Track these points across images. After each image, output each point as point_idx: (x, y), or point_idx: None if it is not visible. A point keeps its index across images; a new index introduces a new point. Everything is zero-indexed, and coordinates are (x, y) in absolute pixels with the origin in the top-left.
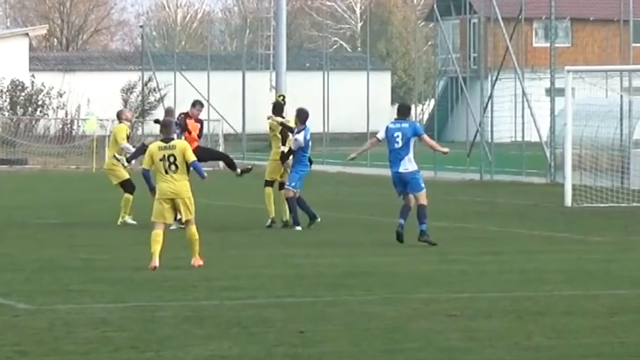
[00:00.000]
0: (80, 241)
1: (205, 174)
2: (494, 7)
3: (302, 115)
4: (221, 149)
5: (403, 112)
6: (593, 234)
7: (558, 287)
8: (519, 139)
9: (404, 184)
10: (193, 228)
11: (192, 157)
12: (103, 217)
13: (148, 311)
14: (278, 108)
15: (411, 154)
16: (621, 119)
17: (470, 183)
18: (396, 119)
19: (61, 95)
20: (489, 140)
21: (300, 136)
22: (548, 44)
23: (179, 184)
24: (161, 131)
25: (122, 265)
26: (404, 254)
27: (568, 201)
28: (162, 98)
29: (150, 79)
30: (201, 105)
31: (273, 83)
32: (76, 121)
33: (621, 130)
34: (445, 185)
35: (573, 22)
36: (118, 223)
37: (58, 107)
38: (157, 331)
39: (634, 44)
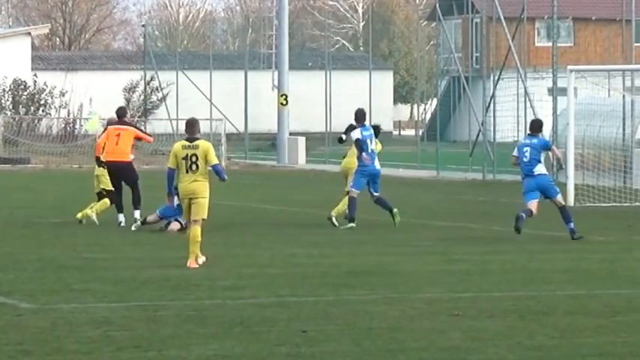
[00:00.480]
0: (82, 240)
1: (226, 176)
2: (497, 7)
3: (358, 115)
4: (223, 148)
5: (535, 129)
6: (595, 233)
7: (561, 287)
8: (522, 138)
9: (542, 189)
10: (199, 229)
11: (214, 160)
12: (105, 216)
13: (151, 310)
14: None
15: (541, 165)
16: (624, 119)
17: (472, 182)
18: (528, 134)
19: (63, 94)
20: (492, 140)
21: (356, 134)
22: (550, 44)
23: (198, 184)
24: (186, 130)
25: (124, 264)
26: (407, 254)
27: (570, 200)
28: (164, 97)
29: (152, 79)
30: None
31: (276, 83)
32: (78, 121)
33: (624, 130)
34: (448, 185)
35: (575, 22)
36: (79, 216)
37: (60, 106)
38: (159, 331)
39: (636, 44)
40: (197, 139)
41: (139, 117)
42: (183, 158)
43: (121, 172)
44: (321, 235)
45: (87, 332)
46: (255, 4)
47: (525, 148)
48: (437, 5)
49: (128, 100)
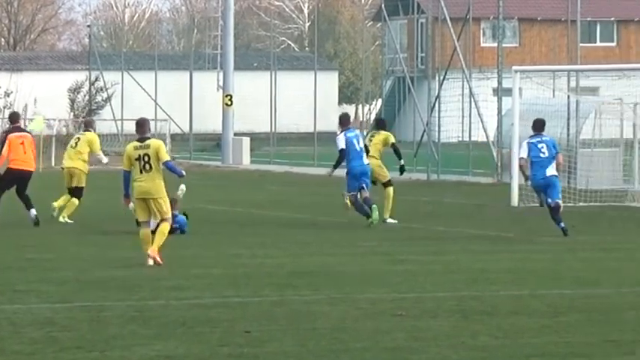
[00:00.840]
0: (26, 241)
1: (183, 172)
2: (442, 7)
3: (342, 119)
4: (168, 148)
5: (539, 127)
6: (539, 234)
7: (505, 287)
8: (466, 139)
9: (547, 186)
10: (167, 225)
11: (165, 157)
12: (50, 216)
13: (94, 311)
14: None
15: (554, 164)
16: (568, 119)
17: (417, 183)
18: (534, 134)
19: (8, 95)
20: (436, 140)
21: (340, 142)
22: (495, 44)
23: (153, 184)
24: (136, 130)
25: (68, 265)
26: (351, 254)
27: (515, 201)
28: (109, 98)
29: (97, 79)
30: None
31: (221, 83)
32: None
33: (568, 130)
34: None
35: (521, 22)
36: (56, 214)
37: (4, 107)
38: (102, 331)
39: (581, 44)
40: (148, 138)
41: (83, 117)
42: (136, 159)
43: (24, 180)
44: (265, 235)
45: (30, 333)
46: (200, 4)
47: (541, 145)
48: (382, 6)
49: (73, 101)
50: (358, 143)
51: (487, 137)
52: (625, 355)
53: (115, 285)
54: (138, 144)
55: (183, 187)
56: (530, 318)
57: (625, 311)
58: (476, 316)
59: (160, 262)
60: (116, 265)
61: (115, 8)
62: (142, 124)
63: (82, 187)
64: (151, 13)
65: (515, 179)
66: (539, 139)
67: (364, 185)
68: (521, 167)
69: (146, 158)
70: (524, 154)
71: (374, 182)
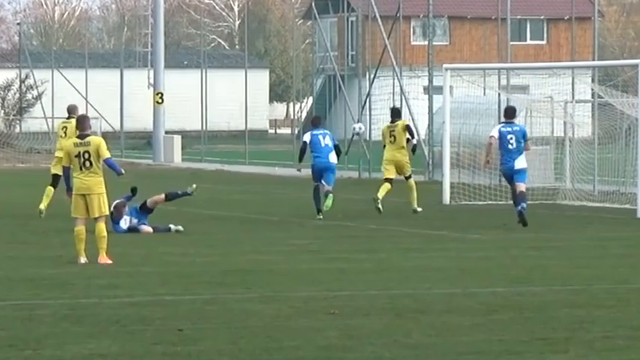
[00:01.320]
0: None
1: (122, 170)
2: (372, 5)
3: (314, 121)
4: None
5: (510, 115)
6: (471, 232)
7: (437, 285)
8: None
9: (514, 174)
10: (103, 225)
11: (106, 154)
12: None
13: (26, 310)
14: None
15: (523, 157)
16: (499, 117)
17: (348, 181)
18: (506, 122)
19: None
20: (367, 138)
21: (306, 137)
22: (426, 42)
23: (93, 181)
24: (77, 127)
25: (0, 263)
26: (282, 253)
27: (446, 199)
28: (39, 96)
29: (27, 77)
30: None
31: (151, 81)
32: None
33: None
34: None
35: (451, 21)
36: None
37: None
38: (35, 330)
39: (511, 42)
40: (88, 135)
41: (14, 115)
42: (75, 156)
43: None
44: (196, 234)
45: None
46: (130, 2)
47: (510, 136)
48: (312, 4)
49: (3, 99)
50: (324, 140)
51: (418, 135)
52: (558, 353)
53: (46, 283)
54: (78, 141)
55: (194, 186)
56: (463, 316)
57: (558, 309)
58: (409, 315)
59: (110, 261)
60: (47, 264)
61: (44, 6)
62: (81, 121)
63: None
64: (81, 10)
65: (447, 177)
66: (509, 129)
67: (324, 181)
68: (490, 145)
69: (86, 155)
70: (496, 134)
71: (398, 173)
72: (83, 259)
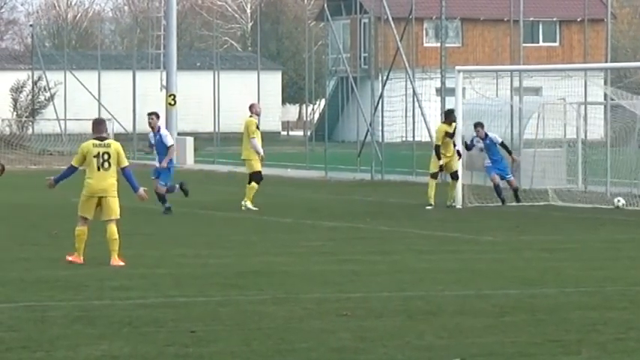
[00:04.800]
0: None
1: (141, 189)
2: (385, 7)
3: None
4: None
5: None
6: (484, 234)
7: (450, 287)
8: (410, 138)
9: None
10: (114, 227)
11: (125, 162)
12: None
13: (39, 311)
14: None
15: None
16: (512, 119)
17: (361, 183)
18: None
19: None
20: (380, 140)
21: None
22: (438, 44)
23: (109, 182)
24: (94, 130)
25: (12, 265)
26: (295, 254)
27: (459, 201)
28: (52, 97)
29: (39, 78)
30: None
31: (164, 83)
32: None
33: (512, 130)
34: (336, 185)
35: (464, 22)
36: (242, 207)
37: None
38: (48, 331)
39: (524, 44)
40: (106, 138)
41: (26, 117)
42: (94, 156)
43: None
44: (210, 235)
45: None
46: (143, 4)
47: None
48: (325, 5)
49: (16, 100)
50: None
51: (431, 137)
52: (570, 355)
53: (59, 285)
54: (97, 142)
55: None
56: (475, 318)
57: (570, 311)
58: (421, 316)
59: (122, 263)
60: (60, 266)
61: (57, 8)
62: (100, 123)
63: (256, 172)
64: (94, 12)
65: (460, 179)
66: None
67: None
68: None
69: (105, 156)
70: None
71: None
72: (79, 259)
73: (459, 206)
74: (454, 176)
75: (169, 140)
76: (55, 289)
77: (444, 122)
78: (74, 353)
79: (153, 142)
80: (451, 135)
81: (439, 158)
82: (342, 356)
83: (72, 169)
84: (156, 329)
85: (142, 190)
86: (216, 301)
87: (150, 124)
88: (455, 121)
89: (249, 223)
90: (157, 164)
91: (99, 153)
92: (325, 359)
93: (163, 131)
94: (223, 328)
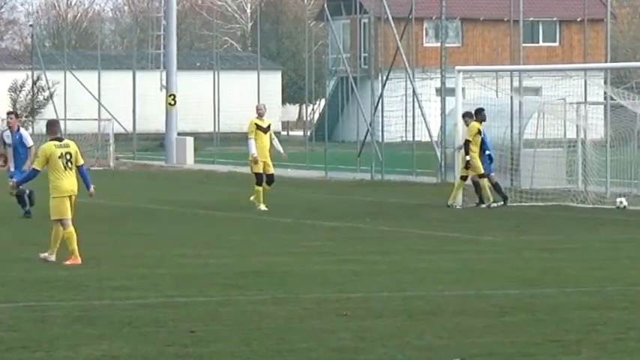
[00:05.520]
0: None
1: (92, 188)
2: (385, 7)
3: None
4: (111, 148)
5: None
6: (484, 234)
7: (450, 287)
8: (410, 138)
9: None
10: (71, 226)
11: (81, 160)
12: None
13: (39, 311)
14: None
15: None
16: (512, 119)
17: (360, 183)
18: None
19: None
20: (380, 140)
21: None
22: (438, 44)
23: (75, 181)
24: (50, 131)
25: (12, 265)
26: (295, 254)
27: (459, 201)
28: (51, 96)
29: (38, 78)
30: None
31: (164, 83)
32: None
33: (511, 130)
34: (336, 185)
35: (464, 22)
36: (261, 208)
37: None
38: (48, 331)
39: (524, 44)
40: (62, 138)
41: (26, 117)
42: (59, 157)
43: None
44: (209, 235)
45: None
46: (143, 4)
47: None
48: (325, 5)
49: (15, 100)
50: None
51: (430, 137)
52: (570, 355)
53: (59, 285)
54: (57, 143)
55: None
56: (475, 318)
57: (570, 311)
58: (421, 316)
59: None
60: (60, 265)
61: (57, 8)
62: (55, 124)
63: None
64: (94, 12)
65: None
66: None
67: None
68: None
69: (68, 156)
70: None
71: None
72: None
73: (458, 207)
74: (481, 176)
75: (29, 141)
76: (55, 289)
77: (475, 120)
78: (74, 353)
79: (9, 141)
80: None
81: (467, 153)
82: (342, 356)
83: (35, 172)
84: (156, 329)
85: (92, 187)
86: (216, 301)
87: (8, 123)
88: (485, 120)
89: (249, 223)
90: (12, 166)
91: (62, 154)
92: (325, 359)
93: (23, 131)
94: (223, 328)
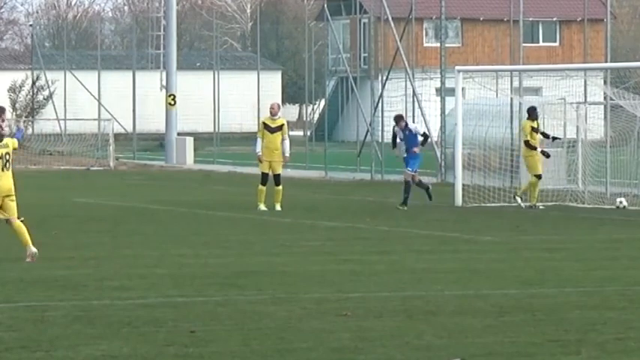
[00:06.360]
0: None
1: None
2: (385, 7)
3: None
4: (111, 148)
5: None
6: (483, 233)
7: (449, 287)
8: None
9: None
10: (18, 221)
11: (16, 146)
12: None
13: (39, 311)
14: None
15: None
16: (511, 119)
17: (360, 183)
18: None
19: None
20: (380, 140)
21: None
22: (438, 44)
23: (11, 182)
24: None
25: (12, 265)
26: (295, 254)
27: (458, 201)
28: (50, 95)
29: (38, 78)
30: None
31: (164, 83)
32: None
33: (511, 130)
34: (336, 185)
35: (463, 22)
36: (261, 208)
37: None
38: (47, 331)
39: (524, 44)
40: (3, 137)
41: (25, 117)
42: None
43: None
44: (209, 235)
45: None
46: (143, 4)
47: None
48: (325, 5)
49: (14, 101)
50: None
51: (430, 137)
52: (570, 355)
53: (59, 285)
54: None
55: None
56: (474, 318)
57: (569, 311)
58: (420, 316)
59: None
60: (59, 265)
61: (57, 8)
62: None
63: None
64: (94, 12)
65: (459, 179)
66: None
67: None
68: None
69: (7, 157)
70: None
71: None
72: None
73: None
74: (539, 176)
75: None
76: (55, 289)
77: (527, 119)
78: (74, 353)
79: None
80: (536, 130)
81: (534, 148)
82: (341, 356)
83: None
84: (155, 329)
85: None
86: (216, 301)
87: None
88: (537, 118)
89: (249, 223)
90: None
91: (2, 154)
92: (324, 359)
93: None
94: (222, 328)
